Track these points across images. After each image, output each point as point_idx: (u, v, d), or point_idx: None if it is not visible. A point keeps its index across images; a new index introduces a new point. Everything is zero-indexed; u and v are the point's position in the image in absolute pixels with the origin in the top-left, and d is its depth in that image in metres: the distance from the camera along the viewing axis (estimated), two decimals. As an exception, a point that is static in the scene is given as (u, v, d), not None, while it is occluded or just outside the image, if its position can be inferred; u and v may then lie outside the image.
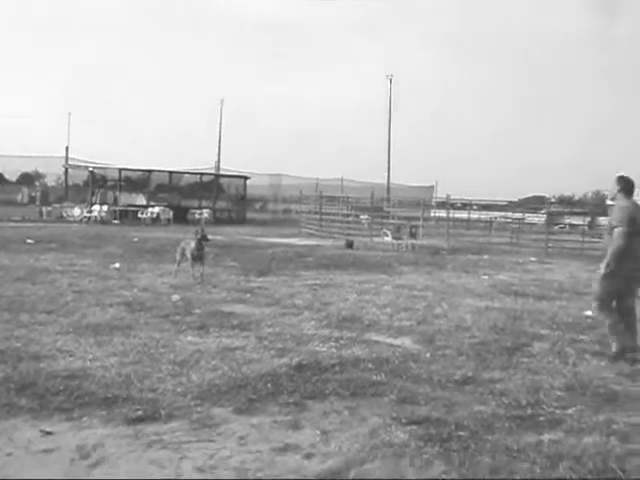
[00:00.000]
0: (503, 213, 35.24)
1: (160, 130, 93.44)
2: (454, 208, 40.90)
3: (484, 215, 36.22)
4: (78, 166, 37.09)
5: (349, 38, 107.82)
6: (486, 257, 18.78)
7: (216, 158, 49.45)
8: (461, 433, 4.30)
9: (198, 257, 11.35)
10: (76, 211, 31.45)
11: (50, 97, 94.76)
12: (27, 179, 63.98)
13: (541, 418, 4.72)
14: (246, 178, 39.01)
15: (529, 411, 4.84)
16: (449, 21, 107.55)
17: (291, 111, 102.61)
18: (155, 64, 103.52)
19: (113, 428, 4.24)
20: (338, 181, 50.44)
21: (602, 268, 6.67)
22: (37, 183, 60.54)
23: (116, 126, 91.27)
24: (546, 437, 4.33)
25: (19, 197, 54.21)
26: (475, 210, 41.32)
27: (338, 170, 74.17)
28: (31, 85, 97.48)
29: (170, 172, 35.75)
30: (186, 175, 38.06)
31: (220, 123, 52.11)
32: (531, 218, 35.96)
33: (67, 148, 39.72)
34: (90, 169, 34.68)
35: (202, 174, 38.53)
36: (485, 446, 4.12)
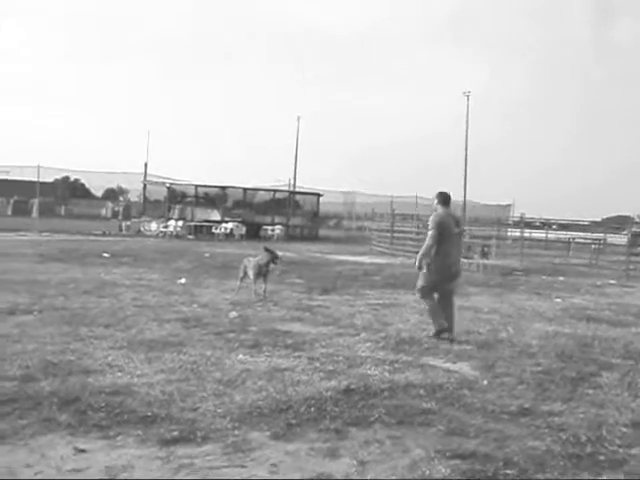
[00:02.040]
0: (583, 233, 33.91)
1: (236, 147, 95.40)
2: (532, 227, 39.88)
3: (562, 235, 34.94)
4: (156, 182, 38.17)
5: (425, 54, 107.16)
6: (561, 279, 18.02)
7: (290, 175, 49.91)
8: (508, 471, 3.99)
9: (262, 274, 11.31)
10: (153, 226, 32.32)
11: (132, 115, 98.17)
12: (111, 194, 66.56)
13: (601, 457, 4.35)
14: (319, 195, 39.14)
15: (588, 449, 4.47)
16: (521, 35, 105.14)
17: (366, 127, 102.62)
18: (232, 81, 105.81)
19: (146, 449, 4.16)
20: (413, 199, 49.88)
21: (416, 265, 8.35)
22: (120, 198, 62.81)
23: (194, 143, 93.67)
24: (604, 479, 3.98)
25: (103, 211, 56.39)
26: (554, 230, 40.05)
27: (413, 187, 73.57)
28: (116, 103, 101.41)
29: (245, 189, 36.28)
30: (260, 192, 38.52)
31: (297, 140, 52.60)
32: (613, 239, 34.45)
33: (146, 164, 40.99)
34: (167, 185, 35.62)
35: (276, 191, 38.94)
36: (534, 487, 3.81)
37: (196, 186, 35.76)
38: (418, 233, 31.03)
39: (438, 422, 4.89)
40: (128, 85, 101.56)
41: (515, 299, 12.88)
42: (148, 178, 39.63)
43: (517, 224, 29.41)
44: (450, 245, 8.27)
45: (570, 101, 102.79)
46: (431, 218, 8.38)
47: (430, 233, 8.21)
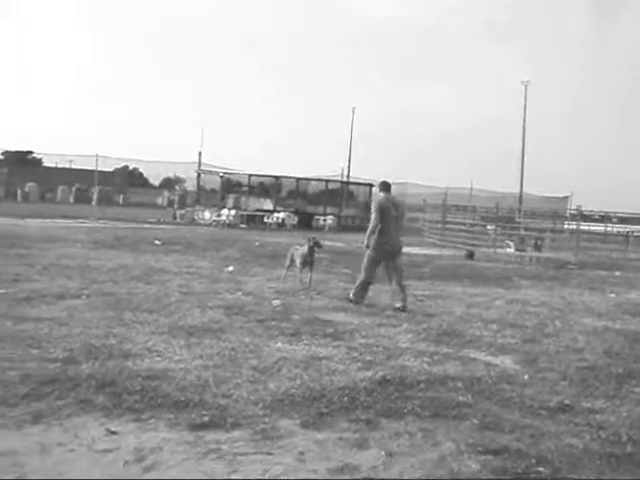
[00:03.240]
0: (645, 227, 32.70)
1: (291, 137, 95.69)
2: (591, 220, 38.70)
3: (622, 228, 33.82)
4: (210, 171, 38.65)
5: (481, 45, 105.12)
6: (618, 274, 17.47)
7: (344, 166, 49.81)
8: (541, 469, 3.88)
9: (308, 263, 11.32)
10: (206, 215, 32.74)
11: (187, 106, 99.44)
12: (168, 183, 67.67)
13: (641, 458, 4.19)
14: (372, 186, 38.90)
15: (629, 449, 4.31)
16: (581, 24, 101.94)
17: (419, 118, 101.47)
18: (289, 73, 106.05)
19: (176, 433, 4.20)
20: (467, 190, 49.24)
21: (364, 243, 9.80)
22: (176, 187, 63.79)
23: (250, 133, 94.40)
24: (642, 481, 3.83)
25: (159, 200, 57.41)
26: (614, 223, 38.80)
27: (468, 179, 72.39)
28: (172, 94, 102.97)
29: (297, 179, 36.38)
30: (313, 182, 38.56)
31: (351, 131, 52.46)
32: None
33: (200, 153, 41.57)
34: (220, 174, 36.00)
35: (328, 181, 38.91)
36: (566, 486, 3.69)
37: (249, 175, 36.05)
38: (473, 225, 30.64)
39: (472, 416, 4.79)
40: (185, 76, 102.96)
41: (566, 293, 12.55)
42: (203, 167, 40.16)
43: (574, 217, 28.56)
44: (388, 226, 9.53)
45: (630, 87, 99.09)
46: (373, 203, 9.74)
47: (372, 216, 9.65)
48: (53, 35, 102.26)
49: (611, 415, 5.01)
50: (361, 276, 9.78)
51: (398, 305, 9.34)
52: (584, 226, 34.24)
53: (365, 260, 9.79)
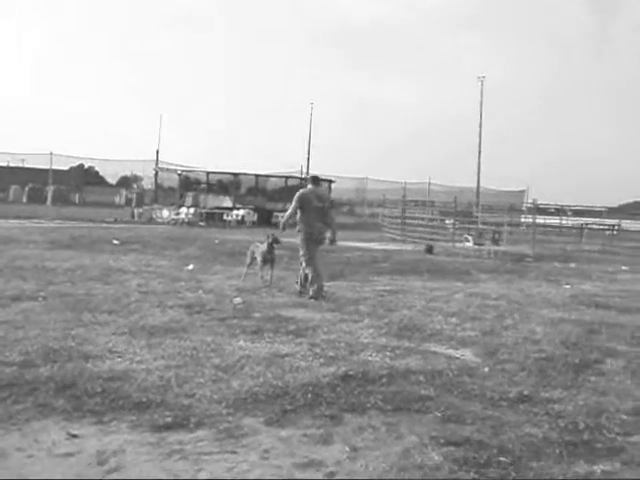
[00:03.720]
0: (598, 219, 33.55)
1: (250, 133, 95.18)
2: (546, 214, 39.48)
3: (576, 221, 34.61)
4: (167, 169, 38.27)
5: (439, 39, 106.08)
6: (573, 265, 17.88)
7: (301, 162, 49.78)
8: (502, 458, 3.95)
9: (268, 260, 11.30)
10: (165, 213, 32.39)
11: (145, 101, 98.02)
12: (125, 182, 66.68)
13: (598, 445, 4.29)
14: (331, 182, 39.04)
15: (586, 436, 4.42)
16: (540, 20, 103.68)
17: (379, 115, 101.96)
18: (245, 65, 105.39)
19: (138, 434, 4.15)
20: (426, 185, 49.69)
21: (280, 228, 10.55)
22: (134, 185, 62.92)
23: (208, 130, 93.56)
24: (599, 468, 3.92)
25: (117, 199, 56.55)
26: (569, 216, 39.65)
27: (427, 174, 73.00)
28: (128, 89, 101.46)
29: (256, 175, 36.26)
30: (272, 178, 38.47)
31: (310, 127, 52.42)
32: (629, 225, 34.10)
33: (157, 151, 41.09)
34: (178, 172, 35.67)
35: (287, 177, 38.86)
36: (527, 474, 3.76)
37: (208, 173, 35.78)
38: (431, 220, 30.93)
39: (435, 409, 4.85)
40: (141, 69, 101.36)
41: (524, 285, 12.78)
42: (160, 165, 39.72)
43: (530, 210, 29.12)
44: (310, 216, 10.17)
45: (588, 88, 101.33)
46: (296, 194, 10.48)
47: (291, 205, 10.39)
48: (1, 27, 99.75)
49: (569, 404, 5.12)
50: (310, 272, 10.09)
51: (311, 294, 9.83)
52: (540, 219, 34.95)
53: (303, 252, 10.28)
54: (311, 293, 9.86)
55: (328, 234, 10.48)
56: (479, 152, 51.52)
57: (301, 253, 10.36)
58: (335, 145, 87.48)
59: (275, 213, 34.16)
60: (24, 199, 51.08)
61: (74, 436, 4.08)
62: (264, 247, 11.12)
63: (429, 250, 19.85)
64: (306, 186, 10.70)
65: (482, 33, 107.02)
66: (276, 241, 11.33)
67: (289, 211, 10.47)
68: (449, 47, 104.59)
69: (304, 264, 10.24)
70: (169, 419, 4.39)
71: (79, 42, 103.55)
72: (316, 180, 10.89)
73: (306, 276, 10.16)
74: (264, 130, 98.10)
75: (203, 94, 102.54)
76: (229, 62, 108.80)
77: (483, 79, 52.60)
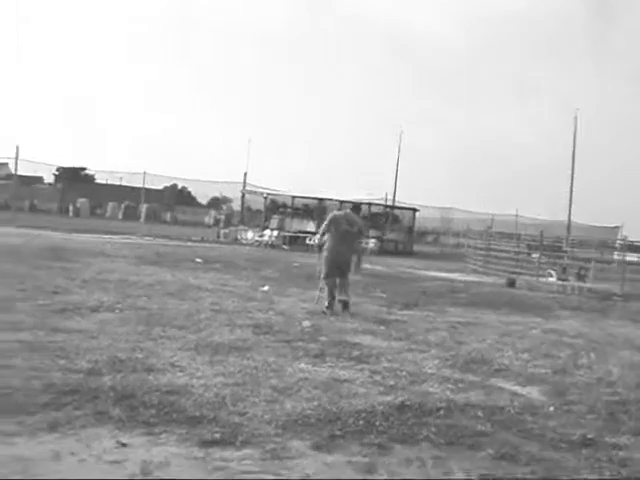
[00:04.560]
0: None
1: (338, 159, 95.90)
2: (642, 251, 37.69)
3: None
4: (255, 192, 39.03)
5: (530, 68, 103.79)
6: (664, 307, 16.93)
7: (386, 189, 49.66)
8: (552, 503, 3.77)
9: (342, 286, 11.32)
10: (249, 235, 33.01)
11: (235, 124, 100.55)
12: (216, 203, 68.53)
13: (662, 498, 4.03)
14: (415, 210, 38.80)
15: (649, 488, 4.16)
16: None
17: (466, 142, 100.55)
18: (331, 92, 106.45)
19: (185, 448, 4.23)
20: (513, 217, 48.48)
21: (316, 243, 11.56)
22: (224, 207, 64.53)
23: (294, 154, 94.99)
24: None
25: (206, 219, 58.18)
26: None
27: (513, 206, 71.25)
28: (220, 111, 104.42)
29: (341, 201, 36.41)
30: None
31: (398, 155, 52.33)
32: None
33: (245, 174, 41.94)
34: (264, 195, 36.34)
35: (371, 204, 38.85)
36: (576, 522, 3.57)
37: (293, 197, 36.27)
38: (517, 252, 30.12)
39: (489, 446, 4.69)
40: (232, 92, 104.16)
41: (607, 325, 12.22)
42: (248, 188, 40.61)
43: (622, 247, 27.85)
44: (339, 240, 10.75)
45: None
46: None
47: (323, 225, 11.13)
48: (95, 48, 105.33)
49: (635, 452, 4.84)
50: (325, 286, 10.86)
51: (330, 310, 10.45)
52: (634, 257, 33.38)
53: (324, 270, 10.91)
54: (326, 304, 10.54)
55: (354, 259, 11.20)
56: (571, 186, 49.89)
57: (323, 270, 10.94)
58: (422, 174, 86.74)
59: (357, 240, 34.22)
60: (120, 216, 53.34)
61: (124, 445, 4.20)
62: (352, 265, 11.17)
63: (511, 283, 19.31)
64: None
65: (579, 63, 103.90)
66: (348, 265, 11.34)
67: (321, 231, 11.23)
68: (538, 76, 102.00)
69: (322, 282, 10.90)
70: (217, 435, 4.44)
71: (175, 65, 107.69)
72: (356, 208, 12.10)
73: (335, 295, 10.70)
74: (351, 157, 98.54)
75: (291, 120, 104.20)
76: (319, 85, 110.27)
77: (577, 114, 51.02)
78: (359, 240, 11.36)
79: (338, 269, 10.80)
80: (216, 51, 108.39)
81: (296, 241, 32.67)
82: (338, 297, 10.61)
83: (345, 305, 10.59)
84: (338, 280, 10.73)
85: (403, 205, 41.35)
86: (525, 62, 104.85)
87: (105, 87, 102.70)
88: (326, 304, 10.60)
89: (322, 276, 10.94)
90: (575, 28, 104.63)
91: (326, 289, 10.77)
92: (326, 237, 10.95)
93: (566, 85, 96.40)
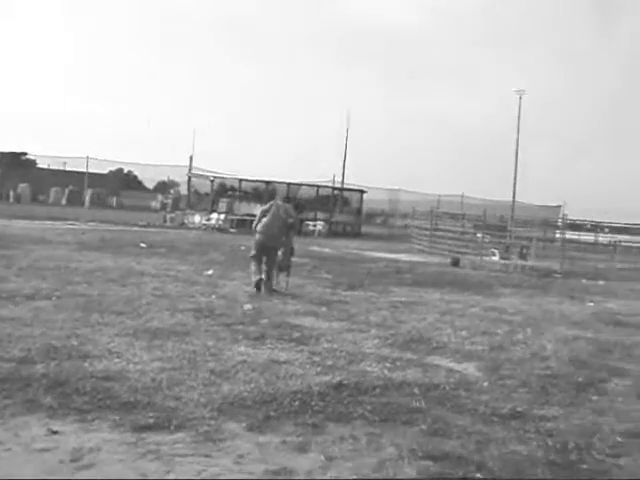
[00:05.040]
0: (634, 237, 32.72)
1: (284, 142, 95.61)
2: (583, 230, 38.71)
3: (612, 238, 33.85)
4: (201, 175, 38.61)
5: (476, 51, 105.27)
6: (601, 283, 17.51)
7: (337, 172, 49.71)
8: (479, 475, 3.88)
9: (284, 268, 11.37)
10: (196, 218, 32.68)
11: (181, 106, 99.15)
12: (163, 187, 67.51)
13: (584, 466, 4.19)
14: (363, 192, 38.98)
15: (573, 457, 4.31)
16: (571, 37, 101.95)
17: (414, 125, 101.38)
18: (278, 75, 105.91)
19: (118, 434, 4.19)
20: (459, 198, 49.23)
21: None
22: (171, 191, 63.67)
23: (244, 137, 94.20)
24: (579, 489, 3.82)
25: (153, 203, 57.30)
26: (606, 233, 38.81)
27: (461, 187, 72.22)
28: (165, 94, 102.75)
29: (288, 184, 36.36)
30: (304, 187, 38.53)
31: (346, 138, 52.34)
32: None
33: (191, 157, 41.45)
34: (210, 178, 35.98)
35: (319, 186, 38.89)
36: (501, 493, 3.69)
37: (240, 180, 36.03)
38: (462, 233, 30.61)
39: (422, 422, 4.79)
40: (177, 76, 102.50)
41: (545, 301, 12.56)
42: (195, 171, 40.14)
43: (572, 226, 28.56)
44: (271, 225, 11.13)
45: (627, 92, 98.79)
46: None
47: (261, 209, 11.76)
48: (42, 32, 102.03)
49: (562, 423, 5.02)
50: (251, 266, 11.28)
51: (259, 286, 10.79)
52: (575, 236, 34.29)
53: (251, 251, 11.47)
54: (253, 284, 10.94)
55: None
56: (515, 167, 50.85)
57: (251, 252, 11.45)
58: (370, 156, 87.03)
59: (306, 222, 34.25)
60: (63, 201, 52.08)
61: (54, 432, 4.14)
62: (279, 255, 11.16)
63: (455, 263, 19.66)
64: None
65: (522, 47, 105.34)
66: (291, 250, 11.40)
67: (259, 214, 11.63)
68: (483, 59, 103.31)
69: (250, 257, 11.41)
70: (151, 420, 4.42)
71: (119, 44, 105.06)
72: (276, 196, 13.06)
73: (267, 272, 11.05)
74: (299, 140, 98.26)
75: (238, 103, 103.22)
76: (263, 66, 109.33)
77: (522, 93, 51.88)
78: (291, 233, 11.63)
79: (264, 251, 11.12)
80: (162, 35, 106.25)
81: (244, 224, 32.45)
82: (259, 276, 10.92)
83: (258, 284, 10.81)
84: (265, 260, 11.06)
85: (351, 187, 41.45)
86: (470, 45, 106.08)
87: (48, 69, 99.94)
88: (253, 284, 10.90)
89: (249, 255, 11.50)
90: (522, 12, 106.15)
91: (252, 268, 11.11)
92: (263, 221, 11.26)
93: (511, 68, 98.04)
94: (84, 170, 45.45)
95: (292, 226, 11.77)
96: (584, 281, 17.73)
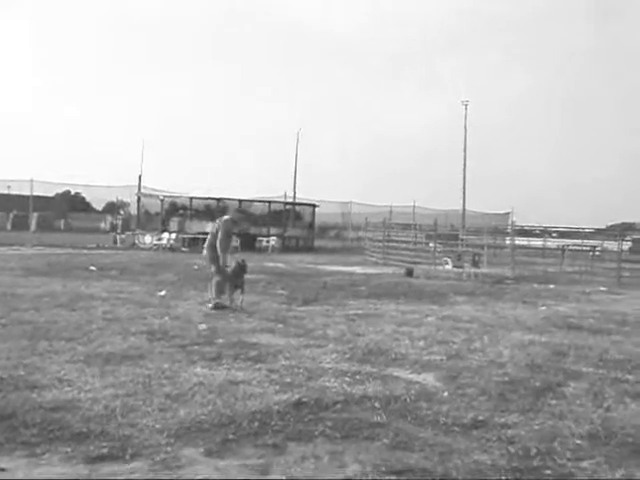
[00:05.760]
0: (580, 241, 33.57)
1: (233, 158, 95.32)
2: (532, 235, 39.53)
3: (560, 242, 34.63)
4: (151, 195, 38.12)
5: (423, 59, 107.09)
6: (552, 287, 17.83)
7: (287, 187, 49.76)
8: (443, 487, 3.83)
9: (239, 285, 11.24)
10: (147, 239, 32.22)
11: (129, 127, 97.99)
12: (112, 208, 66.38)
13: (547, 471, 4.18)
14: (315, 206, 39.05)
15: (535, 462, 4.31)
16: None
17: (362, 136, 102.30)
18: (225, 87, 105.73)
19: (71, 467, 4.01)
20: (411, 208, 49.78)
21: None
22: (121, 211, 62.63)
23: (189, 154, 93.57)
24: (543, 495, 3.81)
25: (102, 225, 56.34)
26: (554, 237, 39.70)
27: (411, 197, 73.04)
28: (113, 112, 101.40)
29: (240, 200, 36.16)
30: (255, 203, 38.40)
31: (296, 153, 52.56)
32: (612, 246, 34.09)
33: (140, 177, 40.93)
34: (160, 197, 35.54)
35: (271, 202, 38.79)
36: (466, 503, 3.64)
37: (191, 198, 35.70)
38: (415, 243, 30.93)
39: (384, 436, 4.73)
40: (124, 91, 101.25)
41: (499, 308, 12.70)
42: (144, 191, 39.61)
43: (520, 233, 29.11)
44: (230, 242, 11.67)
45: (572, 103, 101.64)
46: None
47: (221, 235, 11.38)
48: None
49: (523, 429, 5.02)
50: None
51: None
52: (524, 241, 34.99)
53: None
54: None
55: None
56: (464, 175, 51.84)
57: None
58: (320, 169, 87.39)
59: (259, 238, 34.08)
60: (8, 226, 50.72)
61: (1, 470, 3.93)
62: (232, 272, 11.05)
63: (409, 273, 19.77)
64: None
65: (466, 54, 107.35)
66: (243, 269, 11.31)
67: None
68: (432, 68, 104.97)
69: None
70: (105, 450, 4.25)
71: (63, 59, 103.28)
72: (232, 220, 11.91)
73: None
74: (248, 156, 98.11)
75: (187, 120, 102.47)
76: (212, 87, 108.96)
77: (467, 103, 53.01)
78: (219, 248, 11.40)
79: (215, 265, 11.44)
80: (106, 50, 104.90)
81: (196, 243, 32.09)
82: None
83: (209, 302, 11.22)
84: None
85: (302, 201, 41.48)
86: (419, 56, 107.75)
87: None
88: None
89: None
90: (469, 23, 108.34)
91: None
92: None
93: (458, 78, 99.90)
94: (28, 194, 44.36)
95: (218, 241, 11.42)
96: (535, 286, 18.02)
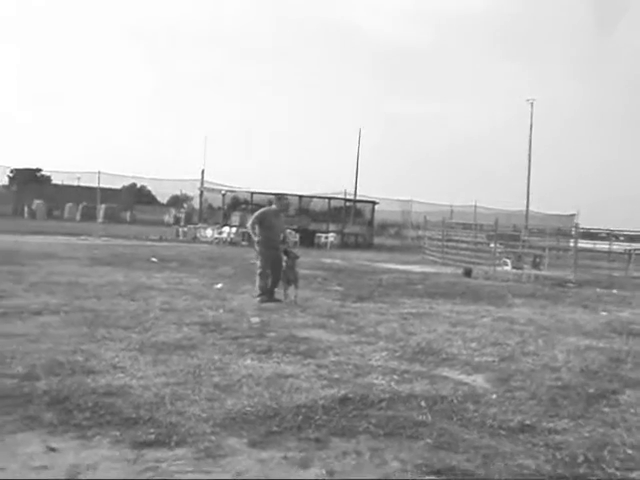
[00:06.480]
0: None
1: (298, 155, 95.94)
2: (597, 238, 38.37)
3: (628, 246, 33.51)
4: (213, 189, 38.75)
5: (487, 61, 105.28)
6: (615, 291, 17.29)
7: (346, 183, 49.81)
8: (484, 490, 3.78)
9: (292, 280, 11.30)
10: (208, 232, 32.78)
11: (193, 121, 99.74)
12: (176, 201, 67.82)
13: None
14: (375, 203, 38.96)
15: (582, 470, 4.20)
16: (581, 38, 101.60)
17: (425, 136, 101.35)
18: (290, 87, 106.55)
19: (118, 450, 4.13)
20: (472, 208, 49.03)
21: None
22: (185, 205, 63.88)
23: (253, 150, 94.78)
24: (588, 504, 3.72)
25: (166, 218, 57.60)
26: (621, 241, 38.44)
27: (473, 197, 71.89)
28: (178, 109, 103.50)
29: (300, 196, 36.42)
30: (316, 199, 38.58)
31: (358, 152, 52.49)
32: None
33: (202, 171, 41.65)
34: (222, 192, 36.09)
35: (331, 198, 38.88)
36: (506, 508, 3.59)
37: (252, 193, 36.15)
38: (475, 243, 30.46)
39: (428, 435, 4.69)
40: (189, 90, 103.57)
41: (558, 311, 12.39)
42: (207, 185, 40.29)
43: (587, 235, 28.31)
44: (271, 232, 11.42)
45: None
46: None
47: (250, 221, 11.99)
48: (55, 52, 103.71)
49: (572, 435, 4.90)
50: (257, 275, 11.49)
51: (264, 297, 11.11)
52: (589, 244, 33.98)
53: (259, 262, 11.54)
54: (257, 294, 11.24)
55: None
56: (528, 175, 50.68)
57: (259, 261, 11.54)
58: (382, 167, 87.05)
59: (318, 234, 34.23)
60: (78, 217, 52.44)
61: (53, 449, 4.09)
62: (284, 266, 11.14)
63: (467, 273, 19.50)
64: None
65: (528, 53, 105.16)
66: (294, 255, 11.38)
67: (248, 225, 12.21)
68: (494, 69, 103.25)
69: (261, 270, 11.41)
70: (152, 436, 4.35)
71: (130, 61, 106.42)
72: (276, 201, 12.32)
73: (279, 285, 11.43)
74: (310, 154, 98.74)
75: (250, 117, 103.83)
76: (274, 86, 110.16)
77: (533, 101, 51.77)
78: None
79: (275, 258, 11.41)
80: (173, 52, 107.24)
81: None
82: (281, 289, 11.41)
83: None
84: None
85: (362, 199, 41.43)
86: (481, 59, 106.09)
87: (63, 88, 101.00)
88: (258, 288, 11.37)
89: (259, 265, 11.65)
90: (530, 26, 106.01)
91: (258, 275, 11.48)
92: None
93: (523, 80, 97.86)
94: (97, 185, 45.69)
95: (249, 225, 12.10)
96: (598, 290, 17.51)
